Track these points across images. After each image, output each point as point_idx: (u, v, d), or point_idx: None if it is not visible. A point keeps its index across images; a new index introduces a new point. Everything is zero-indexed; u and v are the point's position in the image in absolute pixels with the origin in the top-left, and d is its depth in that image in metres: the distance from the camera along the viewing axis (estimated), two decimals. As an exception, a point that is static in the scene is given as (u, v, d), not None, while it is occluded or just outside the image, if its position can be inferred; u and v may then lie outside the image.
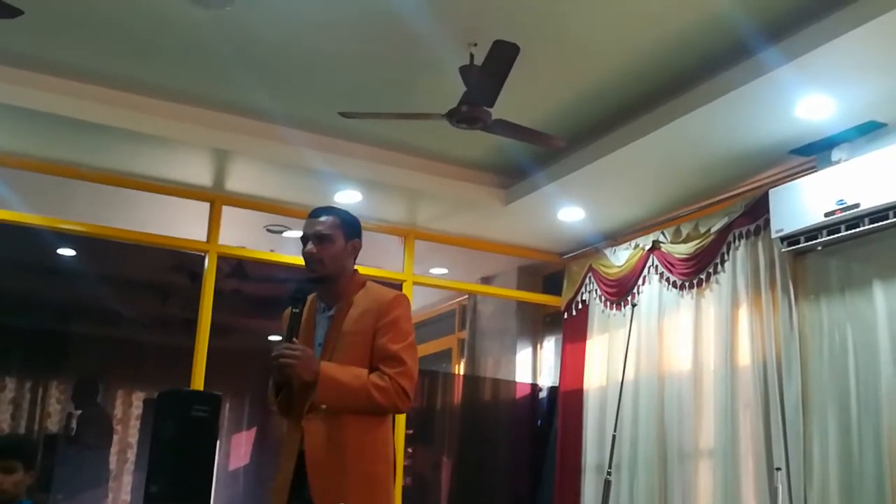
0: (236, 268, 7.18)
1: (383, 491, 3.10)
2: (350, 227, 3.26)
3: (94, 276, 7.23)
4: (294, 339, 3.07)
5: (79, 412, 7.98)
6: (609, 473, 5.59)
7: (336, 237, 3.19)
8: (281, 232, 6.89)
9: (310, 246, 3.18)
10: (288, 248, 6.96)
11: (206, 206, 6.17)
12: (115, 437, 8.72)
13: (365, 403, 3.03)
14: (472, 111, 4.47)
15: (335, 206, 3.54)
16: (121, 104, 5.16)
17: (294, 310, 3.11)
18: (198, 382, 5.86)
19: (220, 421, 5.50)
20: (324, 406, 3.03)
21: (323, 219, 3.21)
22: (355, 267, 3.30)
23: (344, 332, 3.15)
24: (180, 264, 6.90)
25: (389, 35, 4.45)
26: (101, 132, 5.23)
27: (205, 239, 6.14)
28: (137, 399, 8.85)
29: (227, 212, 6.21)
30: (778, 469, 4.83)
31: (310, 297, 3.27)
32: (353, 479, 3.02)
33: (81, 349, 8.57)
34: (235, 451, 9.35)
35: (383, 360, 3.08)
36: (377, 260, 6.93)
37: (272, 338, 8.24)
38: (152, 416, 5.75)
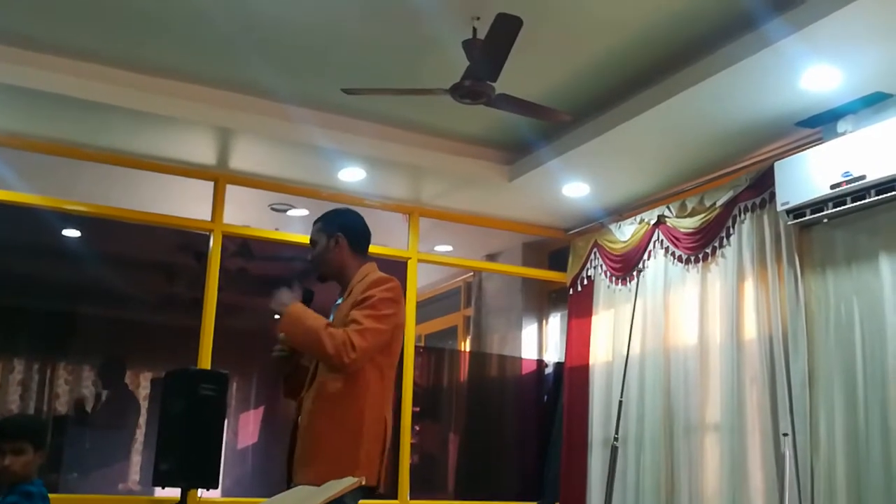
0: (241, 247, 7.18)
1: (343, 463, 3.19)
2: (330, 225, 3.58)
3: (99, 257, 7.24)
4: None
5: (105, 392, 8.03)
6: (616, 440, 5.62)
7: (318, 239, 3.57)
8: (285, 210, 6.89)
9: (308, 254, 3.61)
10: (292, 227, 6.96)
11: (211, 184, 6.16)
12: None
13: (314, 343, 3.23)
14: (475, 86, 4.44)
15: (333, 209, 3.78)
16: (124, 83, 5.15)
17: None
18: (205, 361, 5.88)
19: (227, 399, 5.52)
20: (281, 335, 3.37)
21: (312, 228, 3.63)
22: (366, 260, 3.59)
23: (340, 316, 3.39)
24: (185, 244, 6.90)
25: (392, 10, 4.42)
26: (104, 111, 5.22)
27: (209, 218, 6.14)
28: (145, 379, 8.88)
29: (232, 190, 6.21)
30: (785, 435, 4.84)
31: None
32: (316, 448, 3.27)
33: (88, 330, 8.59)
34: (243, 429, 9.39)
35: (346, 323, 3.29)
36: (381, 237, 6.93)
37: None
38: (160, 396, 5.78)
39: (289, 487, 3.30)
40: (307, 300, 3.45)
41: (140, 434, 8.62)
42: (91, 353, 8.58)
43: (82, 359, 8.59)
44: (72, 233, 7.05)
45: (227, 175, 6.17)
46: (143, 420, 8.62)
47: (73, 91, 5.03)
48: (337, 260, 3.54)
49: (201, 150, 5.82)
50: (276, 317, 3.39)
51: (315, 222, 3.64)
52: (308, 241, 3.66)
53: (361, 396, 3.31)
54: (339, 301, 3.51)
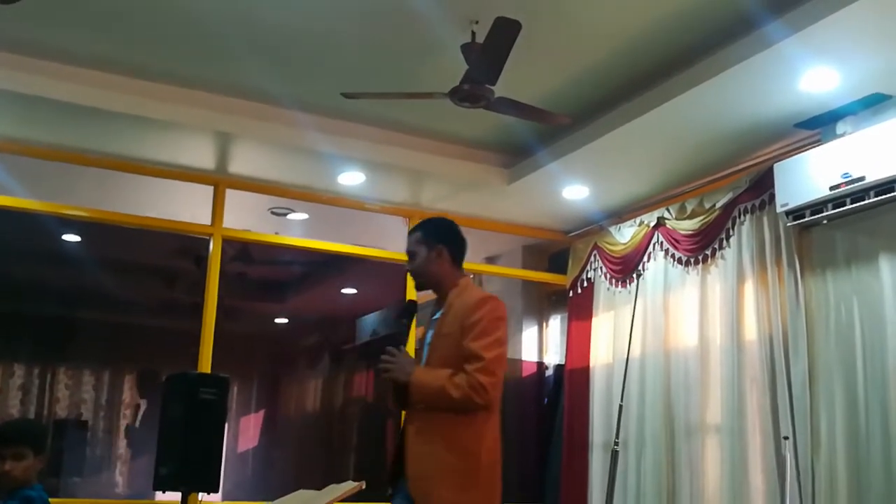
0: (241, 251, 7.18)
1: (468, 488, 3.21)
2: (431, 236, 3.53)
3: (99, 262, 7.24)
4: (400, 347, 3.35)
5: (144, 401, 8.06)
6: (616, 444, 5.62)
7: (418, 250, 3.50)
8: (285, 214, 6.89)
9: (406, 264, 3.56)
10: (292, 231, 6.97)
11: (210, 189, 6.16)
12: (125, 422, 8.77)
13: (445, 401, 3.21)
14: (474, 89, 4.45)
15: (426, 219, 3.71)
16: (124, 89, 5.16)
17: (403, 320, 3.50)
18: (205, 365, 5.88)
19: (227, 403, 5.51)
20: (420, 406, 3.29)
21: (409, 237, 3.58)
22: (461, 271, 3.57)
23: (440, 334, 3.38)
24: (185, 248, 6.90)
25: (391, 14, 4.43)
26: (103, 117, 5.22)
27: (209, 222, 6.14)
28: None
29: (231, 195, 6.21)
30: (786, 438, 4.85)
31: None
32: (439, 472, 3.20)
33: (88, 335, 8.60)
34: (244, 433, 9.39)
35: (465, 358, 3.24)
36: (381, 241, 6.94)
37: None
38: (160, 400, 5.78)
39: (393, 494, 3.34)
40: (411, 312, 3.51)
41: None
42: (91, 358, 8.59)
43: (82, 363, 8.59)
44: (72, 238, 7.04)
45: (226, 179, 6.17)
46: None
47: (72, 97, 5.04)
48: (438, 272, 3.49)
49: (201, 155, 5.83)
50: (385, 367, 3.33)
51: (412, 232, 3.59)
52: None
53: (476, 420, 3.28)
54: (438, 315, 3.46)
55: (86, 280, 7.58)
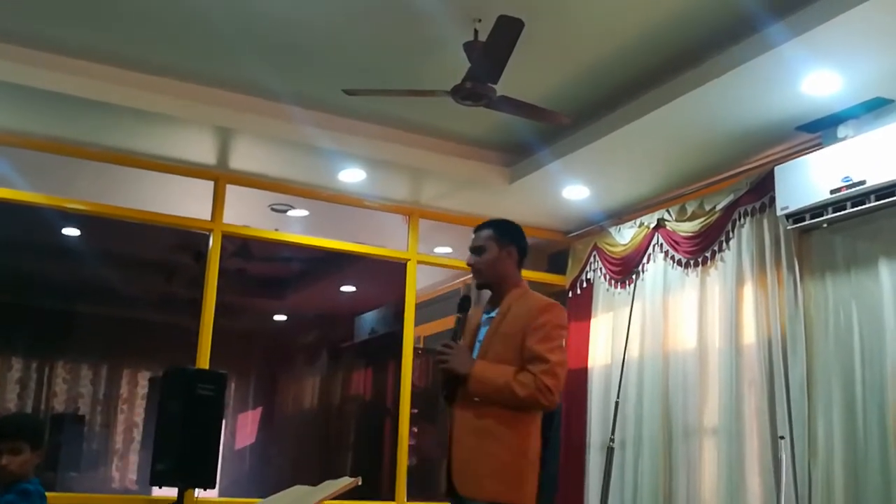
0: (241, 247, 7.18)
1: (520, 485, 3.29)
2: (504, 235, 3.58)
3: (98, 256, 7.25)
4: (457, 340, 3.43)
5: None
6: (612, 441, 5.62)
7: (489, 247, 3.55)
8: (285, 211, 6.89)
9: (469, 258, 3.59)
10: (292, 227, 6.96)
11: (211, 184, 6.16)
12: (122, 417, 8.78)
13: (508, 398, 3.27)
14: (476, 88, 4.44)
15: (496, 218, 3.74)
16: (125, 82, 5.15)
17: (458, 315, 3.52)
18: (203, 361, 5.87)
19: (225, 399, 5.52)
20: (476, 399, 3.32)
21: (479, 233, 3.61)
22: (521, 275, 3.61)
23: (500, 332, 3.43)
24: (185, 243, 6.91)
25: (393, 11, 4.42)
26: (104, 111, 5.22)
27: (209, 218, 6.13)
28: (143, 378, 8.90)
29: (232, 190, 6.21)
30: (782, 437, 4.84)
31: (482, 298, 3.67)
32: (492, 469, 3.26)
33: (87, 328, 8.60)
34: (241, 429, 9.40)
35: (530, 360, 3.31)
36: (381, 239, 6.94)
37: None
38: (158, 395, 5.78)
39: (449, 496, 3.37)
40: (465, 308, 3.53)
41: (137, 433, 8.62)
42: (89, 352, 8.59)
43: (80, 357, 8.60)
44: (71, 231, 7.05)
45: (227, 175, 6.17)
46: (140, 419, 8.62)
47: (73, 90, 5.03)
48: (504, 271, 3.55)
49: (201, 150, 5.82)
50: (442, 359, 3.39)
51: (482, 228, 3.62)
52: (470, 250, 3.61)
53: (528, 418, 3.37)
54: (492, 314, 3.51)
55: (85, 274, 7.59)
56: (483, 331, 3.51)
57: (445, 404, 3.52)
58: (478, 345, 3.47)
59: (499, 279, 3.55)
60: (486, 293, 3.63)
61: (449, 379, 3.43)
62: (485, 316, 3.57)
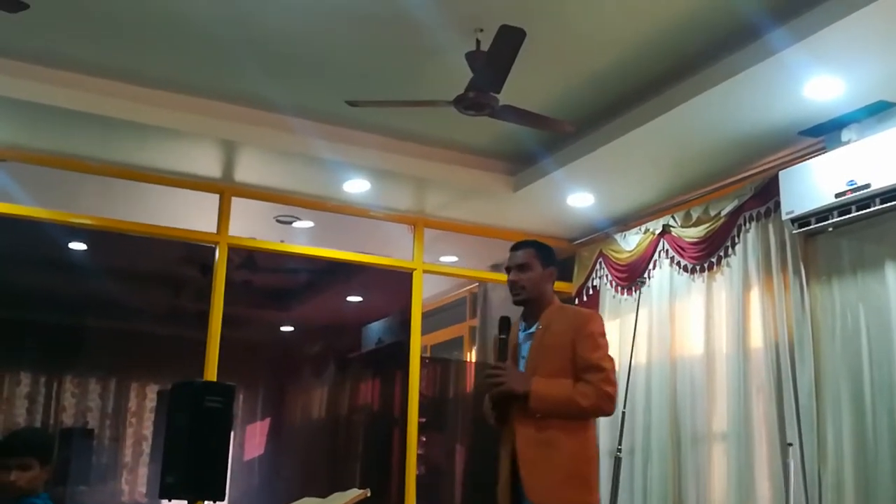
0: (247, 259, 7.19)
1: (591, 489, 3.43)
2: (546, 256, 3.71)
3: (105, 270, 7.27)
4: (507, 363, 3.52)
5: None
6: (619, 450, 5.61)
7: (534, 265, 3.65)
8: (290, 222, 6.90)
9: (512, 275, 3.66)
10: (298, 239, 6.97)
11: (216, 197, 6.17)
12: (131, 430, 8.78)
13: (573, 410, 3.40)
14: (479, 97, 4.45)
15: (534, 238, 3.93)
16: (129, 97, 5.17)
17: (501, 335, 3.58)
18: (211, 374, 5.88)
19: (233, 411, 5.52)
20: (538, 415, 3.40)
21: (522, 251, 3.70)
22: (554, 292, 3.72)
23: (546, 346, 3.52)
24: (191, 256, 6.92)
25: (396, 22, 4.43)
26: (108, 125, 5.24)
27: (215, 230, 6.15)
28: (151, 391, 8.91)
29: (237, 203, 6.22)
30: (790, 444, 4.83)
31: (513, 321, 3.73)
32: (563, 478, 3.36)
33: (94, 343, 8.62)
34: (250, 441, 9.40)
35: (586, 369, 3.44)
36: (386, 249, 6.94)
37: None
38: (166, 408, 5.78)
39: None
40: (506, 328, 3.60)
41: (146, 446, 8.63)
42: (97, 366, 8.60)
43: (88, 372, 8.61)
44: (78, 246, 7.07)
45: (232, 187, 6.18)
46: (149, 433, 8.63)
47: (78, 105, 5.05)
48: (545, 290, 3.66)
49: (206, 163, 5.84)
50: (498, 381, 3.46)
51: (524, 247, 3.73)
52: (509, 268, 3.69)
53: (589, 424, 3.52)
54: (532, 330, 3.61)
55: (92, 288, 7.61)
56: (526, 347, 3.60)
57: (496, 424, 3.62)
58: (522, 360, 3.56)
59: (539, 296, 3.64)
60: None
61: (499, 401, 3.54)
62: (523, 333, 3.66)
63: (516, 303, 3.68)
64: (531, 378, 3.45)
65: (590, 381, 3.41)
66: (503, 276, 7.72)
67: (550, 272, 3.70)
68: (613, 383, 3.46)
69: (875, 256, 4.75)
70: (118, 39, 4.76)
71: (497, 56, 4.14)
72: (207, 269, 6.23)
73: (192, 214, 6.35)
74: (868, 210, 4.60)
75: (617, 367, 3.58)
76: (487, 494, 7.12)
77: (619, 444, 5.64)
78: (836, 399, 4.84)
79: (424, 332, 6.94)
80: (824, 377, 4.93)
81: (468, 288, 8.57)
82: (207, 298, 6.06)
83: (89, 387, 8.69)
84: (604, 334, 3.57)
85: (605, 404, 3.41)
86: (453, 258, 7.80)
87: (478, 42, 4.42)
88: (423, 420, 6.93)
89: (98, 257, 7.17)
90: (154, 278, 8.08)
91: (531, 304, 3.65)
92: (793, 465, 4.73)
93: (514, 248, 3.76)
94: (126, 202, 6.41)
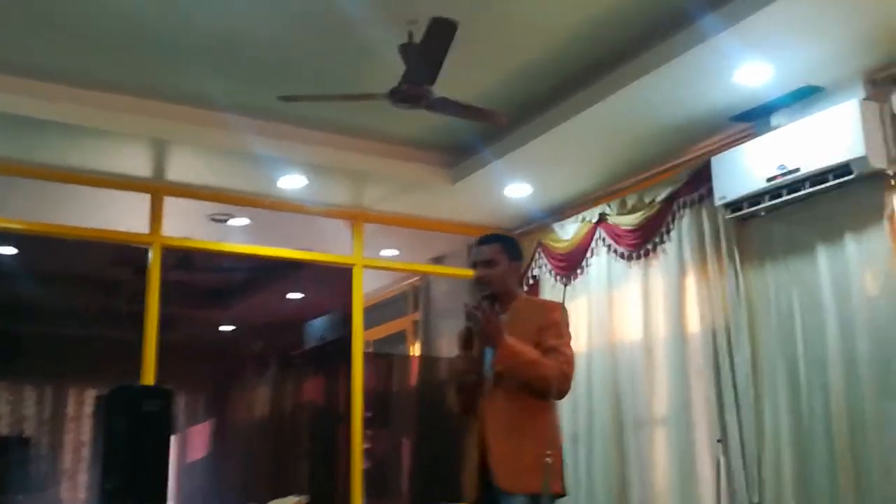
0: (182, 259, 7.08)
1: (553, 473, 3.39)
2: (512, 250, 3.77)
3: (37, 274, 7.11)
4: (471, 350, 3.61)
5: None
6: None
7: (500, 260, 3.70)
8: (225, 220, 6.79)
9: (479, 270, 3.70)
10: (233, 237, 6.88)
11: (148, 197, 6.05)
12: (69, 437, 8.62)
13: (534, 375, 3.43)
14: (413, 90, 4.43)
15: (498, 232, 3.98)
16: (56, 97, 5.03)
17: (468, 324, 3.57)
18: (148, 377, 5.78)
19: (173, 415, 5.44)
20: (498, 367, 3.47)
21: (488, 246, 3.73)
22: (521, 286, 3.83)
23: (512, 335, 3.49)
24: (125, 258, 6.79)
25: (328, 17, 4.39)
26: (35, 126, 5.10)
27: (148, 231, 6.03)
28: (89, 396, 8.74)
29: (170, 202, 6.11)
30: (719, 441, 4.94)
31: None
32: (531, 464, 3.34)
33: (29, 349, 8.42)
34: (192, 444, 9.29)
35: (547, 351, 3.49)
36: (325, 244, 6.89)
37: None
38: (104, 414, 5.68)
39: (484, 493, 3.49)
40: (493, 301, 3.59)
41: (85, 452, 8.47)
42: (32, 373, 8.42)
43: (23, 378, 8.42)
44: (7, 250, 6.89)
45: (164, 186, 6.07)
46: (87, 438, 8.47)
47: (2, 106, 4.91)
48: (511, 284, 3.73)
49: (137, 163, 5.73)
50: (481, 316, 3.46)
51: (490, 241, 3.76)
52: (475, 263, 3.72)
53: (551, 408, 3.59)
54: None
55: (24, 293, 7.43)
56: None
57: (461, 412, 3.65)
58: (488, 351, 3.56)
59: (505, 290, 3.69)
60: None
61: (463, 387, 3.61)
62: None
63: (483, 297, 3.68)
64: (504, 332, 3.47)
65: (553, 359, 3.46)
66: (444, 269, 7.78)
67: (516, 266, 3.77)
68: (572, 366, 3.51)
69: (806, 239, 4.84)
70: (44, 37, 4.62)
71: (429, 48, 4.12)
72: (141, 270, 6.11)
73: (125, 215, 6.22)
74: (798, 193, 4.68)
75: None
76: (434, 486, 7.15)
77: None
78: (773, 379, 4.93)
79: (367, 326, 6.91)
80: (761, 358, 5.02)
81: (410, 281, 8.56)
82: (143, 300, 5.94)
83: (24, 394, 8.50)
84: (568, 325, 3.63)
85: (563, 383, 3.46)
86: (394, 251, 7.78)
87: (410, 34, 4.39)
88: (369, 414, 6.90)
89: (29, 262, 7.00)
90: (88, 281, 7.92)
91: (499, 298, 3.67)
92: (722, 462, 4.82)
93: (480, 242, 3.79)
94: (57, 205, 6.25)
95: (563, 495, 3.54)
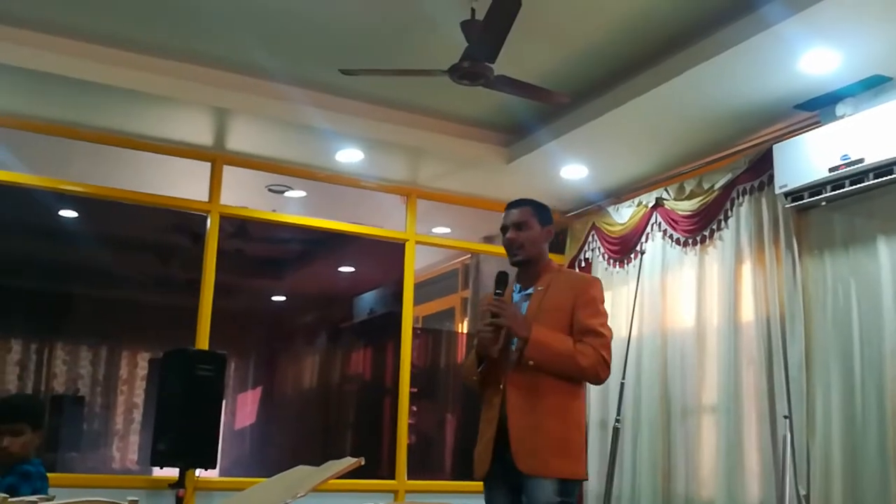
0: (239, 228, 7.17)
1: (578, 456, 3.37)
2: (543, 214, 3.63)
3: (96, 237, 7.23)
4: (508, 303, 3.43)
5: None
6: (618, 421, 5.64)
7: (532, 224, 3.57)
8: (282, 192, 6.87)
9: (510, 233, 3.56)
10: (289, 208, 6.95)
11: (208, 165, 6.14)
12: (122, 398, 8.80)
13: (569, 365, 3.33)
14: (473, 67, 4.41)
15: (529, 197, 3.74)
16: (120, 63, 5.12)
17: (497, 291, 3.43)
18: (202, 342, 5.88)
19: (224, 380, 5.53)
20: (531, 362, 3.32)
21: (518, 209, 3.60)
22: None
23: (544, 308, 3.45)
24: (182, 224, 6.89)
25: (390, -9, 4.40)
26: (100, 92, 5.19)
27: (206, 199, 6.12)
28: (143, 359, 8.91)
29: (229, 171, 6.19)
30: (786, 417, 4.84)
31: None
32: (554, 447, 3.30)
33: (86, 310, 8.61)
34: (241, 409, 9.43)
35: (584, 332, 3.39)
36: (379, 219, 6.93)
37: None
38: (158, 376, 5.79)
39: (492, 473, 3.42)
40: (504, 282, 3.47)
41: (137, 414, 8.65)
42: (88, 333, 8.60)
43: (80, 339, 8.61)
44: (68, 213, 7.03)
45: (224, 156, 6.15)
46: (140, 400, 8.64)
47: (68, 71, 5.00)
48: (543, 250, 3.61)
49: (198, 131, 5.80)
50: (502, 314, 3.38)
51: (520, 205, 3.63)
52: (505, 227, 3.61)
53: (581, 388, 3.47)
54: (530, 291, 3.54)
55: (83, 255, 7.58)
56: (523, 307, 3.50)
57: (477, 384, 3.52)
58: None
59: (538, 256, 3.58)
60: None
61: (486, 358, 3.46)
62: (518, 294, 3.58)
63: (514, 263, 3.60)
64: (532, 323, 3.36)
65: (589, 343, 3.36)
66: (495, 248, 7.77)
67: (548, 231, 3.63)
68: (610, 351, 3.41)
69: (867, 231, 4.76)
70: (110, 5, 4.70)
71: (492, 25, 4.10)
72: (199, 237, 6.21)
73: (184, 182, 6.32)
74: (861, 185, 4.60)
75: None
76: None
77: (618, 414, 5.68)
78: (826, 372, 4.87)
79: (417, 302, 6.95)
80: (814, 351, 4.96)
81: (460, 259, 8.57)
82: (199, 267, 6.04)
83: (80, 354, 8.69)
84: (604, 301, 3.52)
85: (602, 369, 3.35)
86: (446, 229, 7.79)
87: (473, 11, 4.38)
88: (415, 390, 6.95)
89: (89, 225, 7.13)
90: (145, 246, 8.06)
91: (529, 264, 3.57)
92: (788, 437, 4.76)
93: (511, 206, 3.66)
94: (117, 169, 6.37)
95: (586, 479, 3.49)
